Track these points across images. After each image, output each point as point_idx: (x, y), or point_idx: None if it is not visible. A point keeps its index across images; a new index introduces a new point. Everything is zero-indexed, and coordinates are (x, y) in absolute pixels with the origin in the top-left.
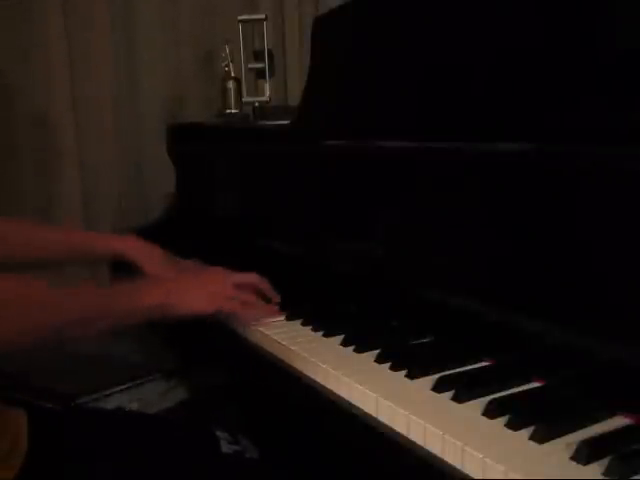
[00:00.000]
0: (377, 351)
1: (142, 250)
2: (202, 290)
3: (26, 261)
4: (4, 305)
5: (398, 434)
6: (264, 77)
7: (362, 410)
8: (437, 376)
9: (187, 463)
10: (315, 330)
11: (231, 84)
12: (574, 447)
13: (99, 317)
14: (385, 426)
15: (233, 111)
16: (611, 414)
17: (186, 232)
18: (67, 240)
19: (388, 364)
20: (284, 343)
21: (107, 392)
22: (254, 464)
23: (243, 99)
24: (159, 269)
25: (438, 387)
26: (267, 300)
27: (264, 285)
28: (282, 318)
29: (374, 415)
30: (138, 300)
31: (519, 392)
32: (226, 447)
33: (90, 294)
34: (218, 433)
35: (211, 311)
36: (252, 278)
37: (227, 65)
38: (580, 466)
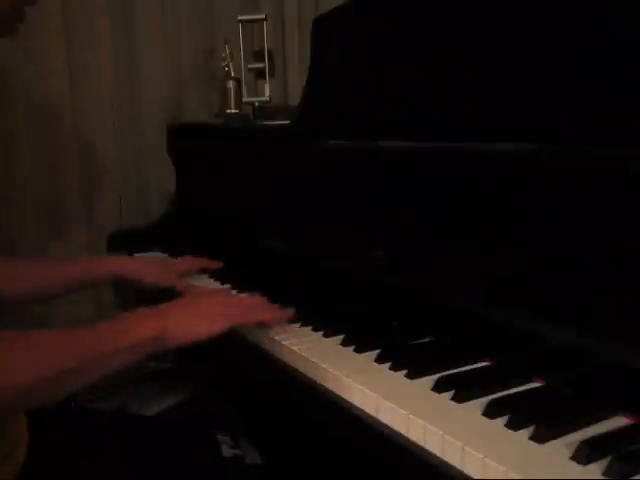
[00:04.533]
0: (377, 351)
1: (138, 264)
2: (200, 315)
3: (31, 299)
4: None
5: (398, 434)
6: (264, 77)
7: (362, 410)
8: (437, 376)
9: (187, 466)
10: (315, 330)
11: (231, 84)
12: (574, 447)
13: (93, 365)
14: (385, 426)
15: (233, 111)
16: (611, 414)
17: (186, 232)
18: (69, 273)
19: (388, 364)
20: (284, 343)
21: (107, 392)
22: (254, 468)
23: (243, 99)
24: (159, 277)
25: (438, 387)
26: None
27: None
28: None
29: (374, 415)
30: (133, 335)
31: (519, 392)
32: (227, 451)
33: (81, 342)
34: (219, 437)
35: (212, 333)
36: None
37: (227, 65)
38: (580, 466)
